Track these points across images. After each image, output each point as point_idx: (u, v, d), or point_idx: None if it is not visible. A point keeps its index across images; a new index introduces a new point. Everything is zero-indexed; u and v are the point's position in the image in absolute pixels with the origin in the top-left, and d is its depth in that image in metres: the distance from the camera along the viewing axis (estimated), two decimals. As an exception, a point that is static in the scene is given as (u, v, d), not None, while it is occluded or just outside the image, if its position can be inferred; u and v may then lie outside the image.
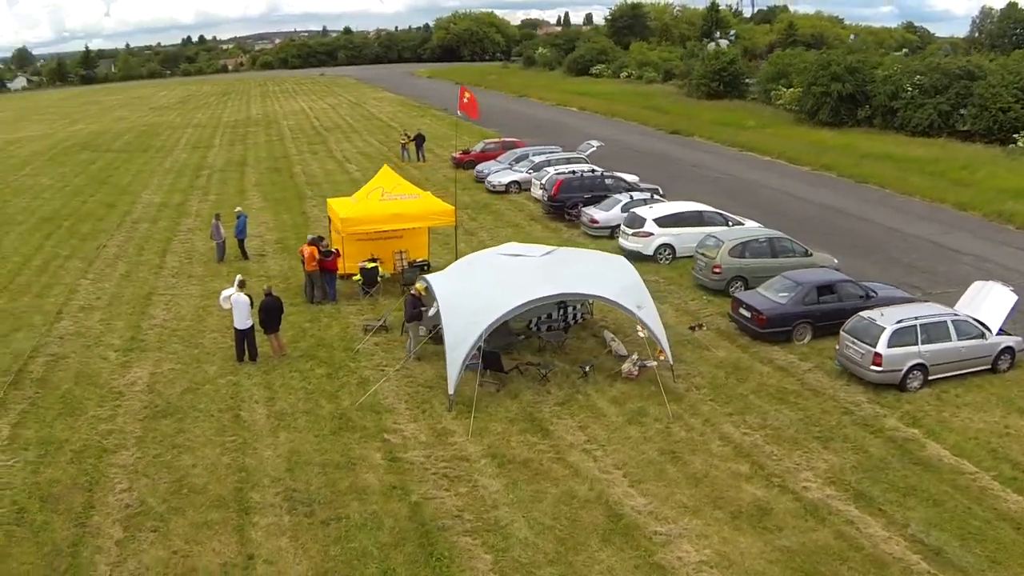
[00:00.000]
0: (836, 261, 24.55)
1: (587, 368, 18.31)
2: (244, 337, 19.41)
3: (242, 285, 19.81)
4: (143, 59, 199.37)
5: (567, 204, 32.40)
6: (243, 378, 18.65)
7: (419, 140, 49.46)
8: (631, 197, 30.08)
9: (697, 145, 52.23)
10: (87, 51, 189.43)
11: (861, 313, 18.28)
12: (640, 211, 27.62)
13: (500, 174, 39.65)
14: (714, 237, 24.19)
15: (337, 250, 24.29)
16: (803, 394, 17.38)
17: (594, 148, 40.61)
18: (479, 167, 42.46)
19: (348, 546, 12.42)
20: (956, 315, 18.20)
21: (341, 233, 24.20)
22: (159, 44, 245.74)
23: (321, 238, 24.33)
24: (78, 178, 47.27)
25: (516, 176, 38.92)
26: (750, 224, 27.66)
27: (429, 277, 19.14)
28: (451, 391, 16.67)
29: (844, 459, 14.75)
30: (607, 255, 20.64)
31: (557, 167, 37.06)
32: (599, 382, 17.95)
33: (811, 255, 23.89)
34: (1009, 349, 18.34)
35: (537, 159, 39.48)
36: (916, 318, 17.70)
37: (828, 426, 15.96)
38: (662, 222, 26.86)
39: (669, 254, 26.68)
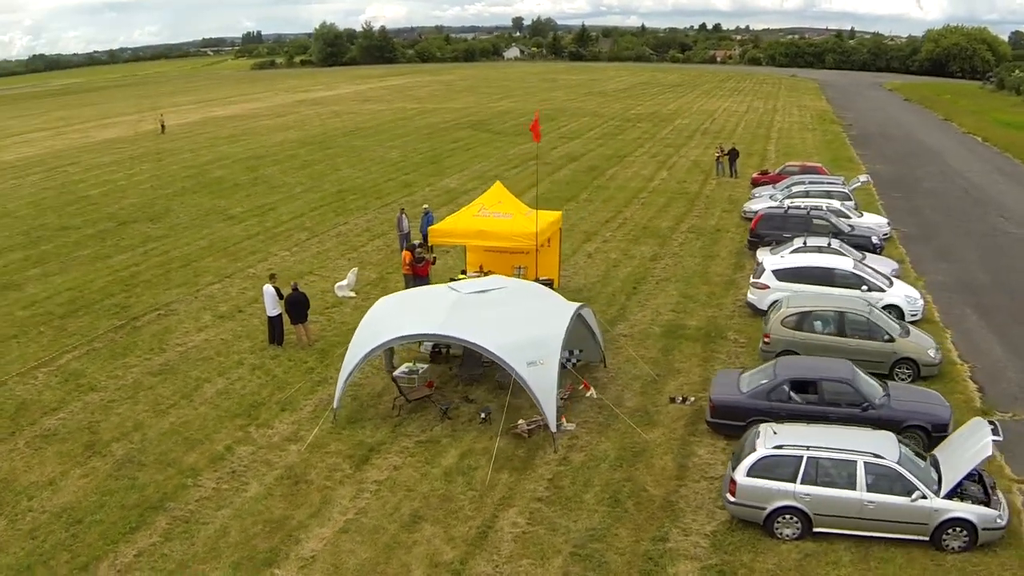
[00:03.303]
0: (933, 354, 20.95)
1: (484, 414, 19.46)
2: (273, 324, 24.20)
3: (272, 278, 24.59)
4: (640, 40, 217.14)
5: (763, 240, 31.42)
6: (253, 357, 23.47)
7: (733, 155, 50.51)
8: (804, 242, 28.11)
9: (1052, 191, 44.68)
10: (583, 28, 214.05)
11: (762, 424, 16.38)
12: (766, 260, 26.18)
13: (755, 200, 38.86)
14: (783, 300, 22.55)
15: (435, 257, 27.98)
16: (649, 504, 16.27)
17: (860, 183, 38.02)
18: (754, 191, 42.00)
19: (100, 496, 16.43)
20: (879, 457, 15.05)
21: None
22: (691, 27, 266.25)
23: (418, 245, 28.08)
24: (419, 156, 56.86)
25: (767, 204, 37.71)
26: (905, 291, 24.65)
27: (383, 297, 21.82)
28: (335, 405, 19.47)
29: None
30: (556, 301, 20.87)
31: (811, 199, 35.69)
32: (487, 431, 18.98)
33: (893, 340, 20.81)
34: (965, 523, 14.70)
35: (796, 188, 37.77)
36: (807, 448, 15.28)
37: (611, 547, 14.99)
38: (781, 275, 25.25)
39: (788, 312, 25.06)
